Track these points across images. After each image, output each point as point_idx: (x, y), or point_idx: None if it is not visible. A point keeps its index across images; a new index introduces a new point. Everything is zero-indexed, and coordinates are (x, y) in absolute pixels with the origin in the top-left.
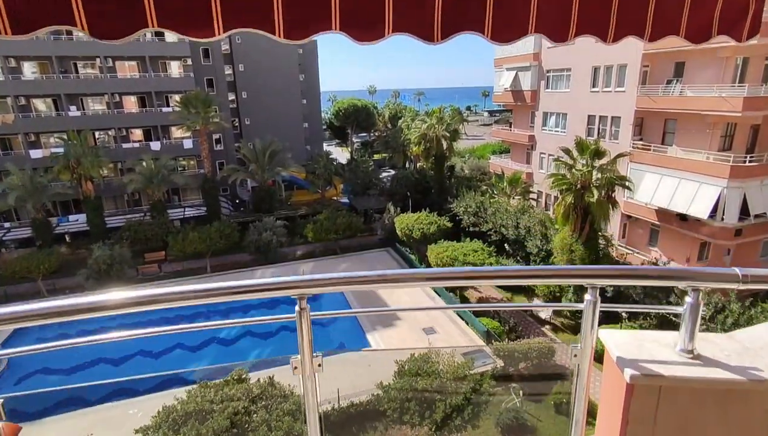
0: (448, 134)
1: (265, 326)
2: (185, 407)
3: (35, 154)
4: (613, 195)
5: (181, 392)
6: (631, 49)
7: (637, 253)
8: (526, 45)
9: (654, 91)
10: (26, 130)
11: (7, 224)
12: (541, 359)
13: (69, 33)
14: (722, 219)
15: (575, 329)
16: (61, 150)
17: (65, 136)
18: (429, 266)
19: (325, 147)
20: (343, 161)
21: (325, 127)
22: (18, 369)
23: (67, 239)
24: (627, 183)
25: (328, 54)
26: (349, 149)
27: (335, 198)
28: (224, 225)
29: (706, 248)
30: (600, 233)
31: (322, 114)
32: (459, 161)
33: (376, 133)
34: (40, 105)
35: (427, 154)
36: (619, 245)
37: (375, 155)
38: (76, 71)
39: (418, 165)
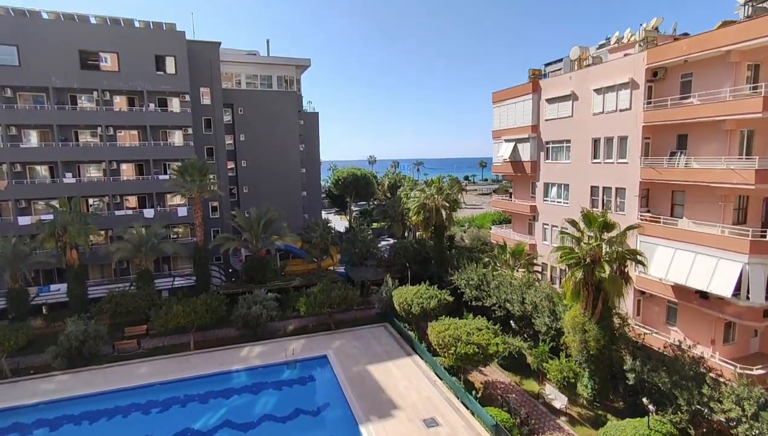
0: (447, 204)
1: (246, 414)
2: None
3: (23, 220)
4: (626, 270)
5: None
6: (630, 122)
7: (656, 333)
8: (524, 117)
9: (658, 163)
10: (18, 197)
11: None
12: None
13: (74, 102)
14: (747, 298)
15: (594, 422)
16: (50, 217)
17: (56, 204)
18: (430, 345)
19: (324, 215)
20: (342, 230)
21: (324, 195)
22: None
23: (44, 310)
24: (639, 257)
25: (329, 126)
26: (348, 218)
27: (332, 268)
28: (211, 298)
29: (731, 328)
30: (614, 311)
31: (322, 182)
32: (459, 231)
33: (375, 202)
34: (36, 171)
35: (427, 224)
36: (635, 324)
37: (374, 224)
38: (77, 139)
39: (417, 235)
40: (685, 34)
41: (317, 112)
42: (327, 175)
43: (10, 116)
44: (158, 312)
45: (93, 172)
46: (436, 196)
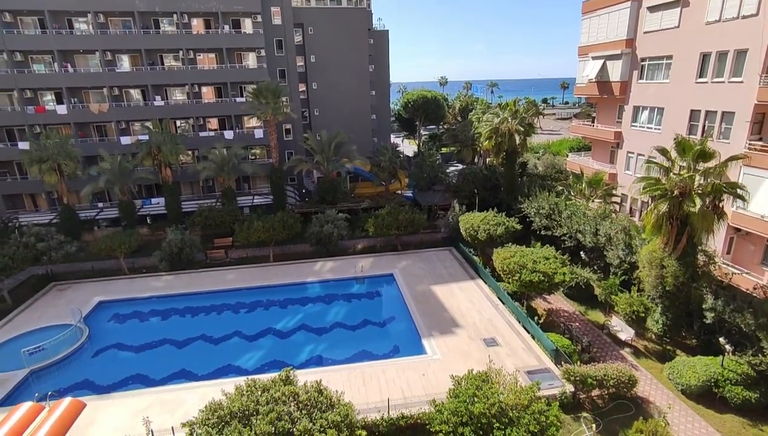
0: (521, 129)
1: (319, 320)
2: (231, 405)
3: (125, 140)
4: (720, 205)
5: (230, 385)
6: (753, 31)
7: (747, 274)
8: (619, 29)
9: None
10: (118, 119)
11: (100, 205)
12: (620, 388)
13: (156, 27)
14: None
15: (661, 356)
16: (146, 137)
17: (149, 125)
18: (494, 271)
19: (393, 139)
20: (410, 154)
21: (393, 118)
22: (97, 342)
23: (149, 220)
24: (740, 191)
25: (399, 45)
26: (417, 142)
27: (399, 192)
28: (287, 216)
29: None
30: (700, 248)
31: (391, 105)
32: (532, 158)
33: (445, 126)
34: (131, 95)
35: (498, 150)
36: (723, 263)
37: (443, 149)
38: (162, 63)
39: (487, 161)
40: None
41: (387, 31)
42: (396, 97)
43: (105, 41)
44: (241, 226)
45: (178, 96)
46: (509, 120)
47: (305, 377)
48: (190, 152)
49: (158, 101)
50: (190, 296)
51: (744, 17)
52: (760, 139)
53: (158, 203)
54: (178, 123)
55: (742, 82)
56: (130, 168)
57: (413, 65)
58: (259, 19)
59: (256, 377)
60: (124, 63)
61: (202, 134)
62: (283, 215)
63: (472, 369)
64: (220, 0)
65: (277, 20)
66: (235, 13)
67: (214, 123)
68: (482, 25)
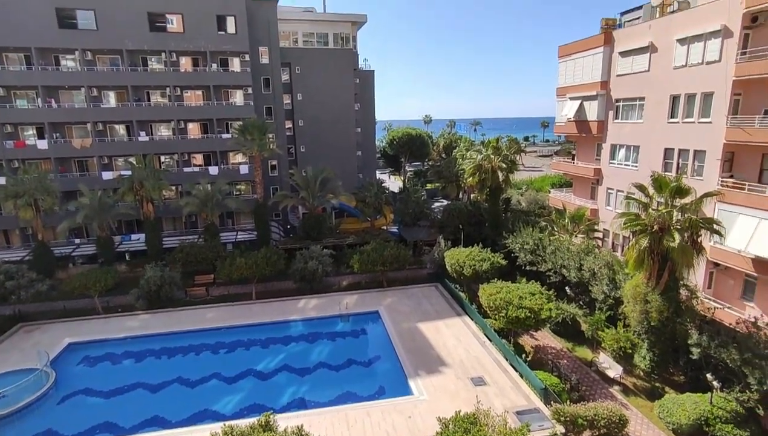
0: (504, 165)
1: (302, 360)
2: None
3: (106, 175)
4: (698, 240)
5: (205, 433)
6: (718, 76)
7: (729, 308)
8: (594, 72)
9: (749, 123)
10: (101, 154)
11: (77, 241)
12: (611, 429)
13: (144, 64)
14: None
15: (651, 393)
16: (129, 172)
17: (133, 160)
18: (480, 307)
19: (378, 175)
20: (396, 190)
21: (378, 155)
22: (64, 387)
23: (127, 257)
24: (716, 226)
25: (385, 85)
26: (402, 178)
27: (385, 227)
28: (271, 252)
29: None
30: (682, 283)
31: (377, 142)
32: (516, 194)
33: (430, 163)
34: (115, 130)
35: (482, 186)
36: (705, 298)
37: (428, 185)
38: (148, 99)
39: (471, 196)
40: None
41: (373, 71)
42: (382, 134)
43: (92, 78)
44: (223, 263)
45: (163, 131)
46: (492, 157)
47: (286, 421)
48: (173, 188)
49: (143, 137)
50: (168, 335)
51: (708, 63)
52: (731, 177)
53: (138, 239)
54: (162, 158)
55: (710, 122)
56: (111, 203)
57: (398, 104)
58: (247, 58)
59: (233, 422)
60: (110, 99)
61: (186, 170)
62: (267, 251)
63: (460, 411)
64: (209, 40)
65: (264, 60)
66: (223, 52)
67: (199, 158)
68: (466, 68)
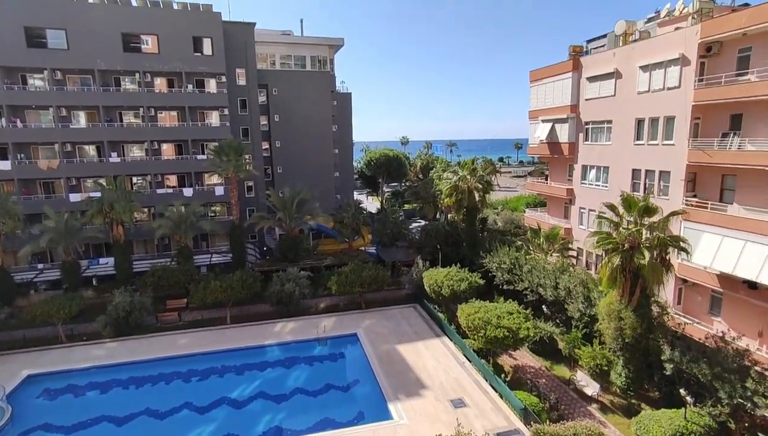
0: (480, 186)
1: (279, 386)
2: None
3: (74, 197)
4: (667, 257)
5: None
6: (678, 101)
7: (698, 323)
8: (563, 96)
9: (708, 145)
10: (69, 175)
11: (40, 266)
12: None
13: (117, 84)
14: None
15: (627, 410)
16: (98, 194)
17: (103, 182)
18: (459, 327)
19: (356, 196)
20: (373, 211)
21: (356, 176)
22: (21, 423)
23: (94, 282)
24: (683, 244)
25: (362, 107)
26: (380, 199)
27: (363, 248)
28: (246, 274)
29: None
30: (653, 299)
31: (354, 163)
32: (492, 214)
33: (407, 183)
34: (85, 151)
35: (459, 206)
36: (675, 313)
37: (405, 205)
38: (121, 120)
39: (449, 217)
40: (746, 5)
41: (350, 93)
42: (359, 155)
43: (61, 98)
44: (197, 287)
45: (136, 152)
46: (469, 178)
47: None
48: (145, 209)
49: (114, 157)
50: (136, 364)
51: (669, 88)
52: (695, 196)
53: (107, 263)
54: (134, 179)
55: (673, 144)
56: (78, 226)
57: (375, 125)
58: (224, 79)
59: None
60: (80, 119)
61: (159, 191)
62: (243, 274)
63: (440, 434)
64: (184, 61)
65: (241, 81)
66: (199, 73)
67: (173, 180)
68: (441, 91)
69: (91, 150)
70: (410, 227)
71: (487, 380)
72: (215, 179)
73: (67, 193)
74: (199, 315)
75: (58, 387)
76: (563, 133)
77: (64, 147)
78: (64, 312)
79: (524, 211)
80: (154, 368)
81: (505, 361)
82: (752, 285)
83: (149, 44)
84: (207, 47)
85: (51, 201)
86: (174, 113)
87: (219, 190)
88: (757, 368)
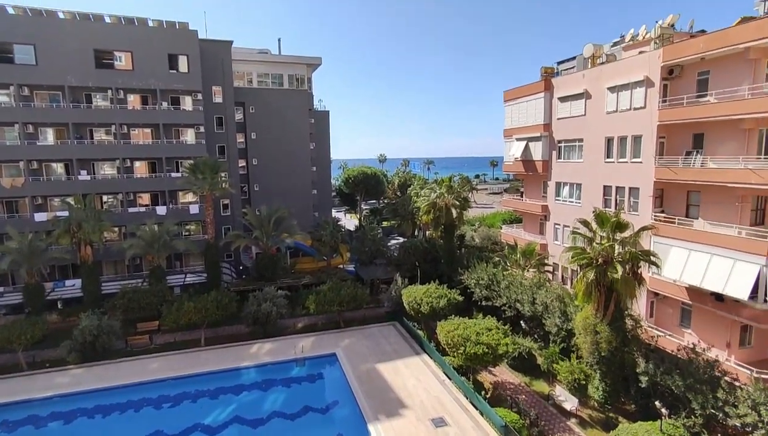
0: (457, 203)
1: (255, 410)
2: None
3: (39, 217)
4: (639, 271)
5: None
6: (644, 121)
7: (670, 335)
8: (536, 116)
9: (673, 163)
10: (34, 194)
11: (0, 289)
12: None
13: (89, 101)
14: (765, 301)
15: (605, 424)
16: (65, 213)
17: (71, 201)
18: (439, 344)
19: (334, 213)
20: (352, 228)
21: (334, 193)
22: None
23: (59, 305)
24: (653, 258)
25: (340, 125)
26: (358, 216)
27: (341, 266)
28: (222, 295)
29: (748, 331)
30: (627, 313)
31: (332, 181)
32: (469, 230)
33: (385, 201)
34: (52, 169)
35: (437, 223)
36: (648, 326)
37: (384, 223)
38: (91, 137)
39: (427, 233)
40: (702, 31)
41: (328, 111)
42: (337, 173)
43: (28, 114)
44: (170, 308)
45: (107, 170)
46: (446, 195)
47: None
48: (116, 229)
49: (84, 175)
50: (103, 391)
51: (635, 109)
52: (662, 212)
53: (73, 285)
54: (105, 198)
55: (641, 162)
56: (43, 247)
57: (354, 143)
58: (200, 97)
59: None
60: (48, 136)
61: (131, 210)
62: (218, 294)
63: None
64: (159, 78)
65: (218, 99)
66: (174, 90)
67: (145, 198)
68: (418, 110)
69: (59, 168)
70: (389, 244)
71: (467, 398)
72: (190, 197)
73: (32, 212)
74: (172, 338)
75: (17, 419)
76: (537, 151)
77: (29, 164)
78: (26, 338)
79: (501, 228)
80: (122, 394)
81: (485, 378)
82: (719, 297)
83: (123, 61)
84: (183, 65)
85: (14, 221)
86: (148, 130)
87: (194, 209)
88: (726, 378)
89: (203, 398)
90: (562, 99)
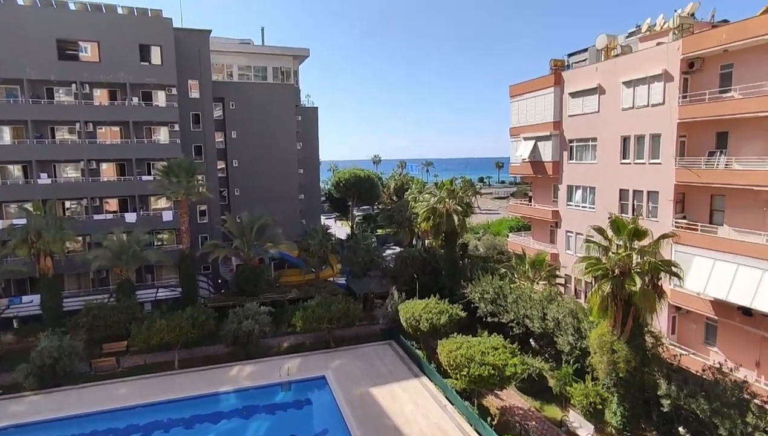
0: (460, 208)
1: None
2: None
3: None
4: (659, 283)
5: None
6: (663, 118)
7: (693, 354)
8: (546, 113)
9: (695, 164)
10: None
11: None
12: None
13: (50, 96)
14: None
15: None
16: (23, 221)
17: (29, 207)
18: (440, 366)
19: (324, 220)
20: (343, 237)
21: (324, 198)
22: None
23: (15, 324)
24: (674, 269)
25: (330, 123)
26: (350, 223)
27: (331, 279)
28: (198, 311)
29: None
30: (646, 329)
31: (322, 185)
32: (473, 239)
33: (380, 207)
34: (8, 171)
35: (437, 231)
36: (669, 344)
37: (378, 230)
38: (53, 136)
39: (426, 242)
40: (725, 21)
41: (316, 108)
42: (327, 176)
43: None
44: (140, 327)
45: (70, 173)
46: (447, 200)
47: None
48: (80, 238)
49: (44, 179)
50: (64, 421)
51: (653, 105)
52: (684, 218)
53: (31, 302)
54: (67, 204)
55: (660, 163)
56: None
57: (345, 142)
58: (174, 91)
59: None
60: (4, 135)
61: (97, 217)
62: (193, 311)
63: None
64: (129, 71)
65: (194, 94)
66: (146, 84)
67: (113, 204)
68: (416, 107)
69: (15, 170)
70: (384, 254)
71: (471, 425)
72: (163, 203)
73: None
74: (142, 360)
75: None
76: (546, 152)
77: None
78: None
79: (507, 236)
80: (85, 424)
81: (491, 402)
82: (747, 311)
83: (89, 52)
84: (155, 56)
85: None
86: (116, 129)
87: (167, 216)
88: (756, 401)
89: (177, 428)
90: (574, 94)
